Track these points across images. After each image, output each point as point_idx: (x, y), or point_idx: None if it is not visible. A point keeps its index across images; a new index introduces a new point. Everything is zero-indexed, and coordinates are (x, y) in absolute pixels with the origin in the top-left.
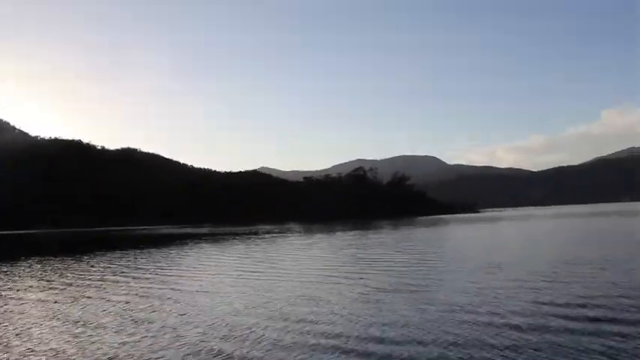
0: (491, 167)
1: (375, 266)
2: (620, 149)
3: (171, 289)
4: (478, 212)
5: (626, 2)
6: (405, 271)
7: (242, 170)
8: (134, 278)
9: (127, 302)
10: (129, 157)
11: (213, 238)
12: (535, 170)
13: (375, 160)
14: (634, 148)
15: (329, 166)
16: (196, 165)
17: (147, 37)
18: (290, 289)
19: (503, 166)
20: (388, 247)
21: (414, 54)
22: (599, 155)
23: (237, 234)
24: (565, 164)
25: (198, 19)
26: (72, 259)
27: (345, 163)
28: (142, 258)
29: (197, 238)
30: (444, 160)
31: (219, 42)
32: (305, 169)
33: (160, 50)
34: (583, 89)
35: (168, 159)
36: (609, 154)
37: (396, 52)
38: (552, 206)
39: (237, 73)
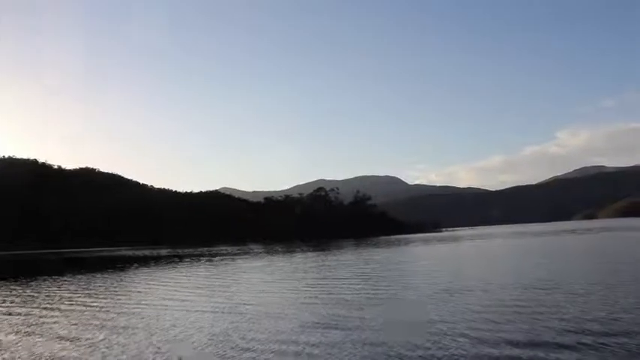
0: (451, 187)
1: (324, 295)
2: (573, 169)
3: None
4: (440, 231)
5: (575, 25)
6: (352, 299)
7: (203, 191)
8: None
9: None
10: (87, 176)
11: (167, 260)
12: (494, 190)
13: (337, 181)
14: (586, 167)
15: (290, 187)
16: (157, 185)
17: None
18: (221, 318)
19: (462, 186)
20: (342, 271)
21: (376, 76)
22: (554, 175)
23: (195, 255)
24: (522, 183)
25: (154, 37)
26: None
27: (307, 183)
28: (77, 284)
29: (148, 260)
30: (404, 180)
31: (179, 59)
32: (266, 190)
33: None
34: (539, 111)
35: (127, 179)
36: (564, 174)
37: (357, 74)
38: (511, 225)
39: (199, 93)
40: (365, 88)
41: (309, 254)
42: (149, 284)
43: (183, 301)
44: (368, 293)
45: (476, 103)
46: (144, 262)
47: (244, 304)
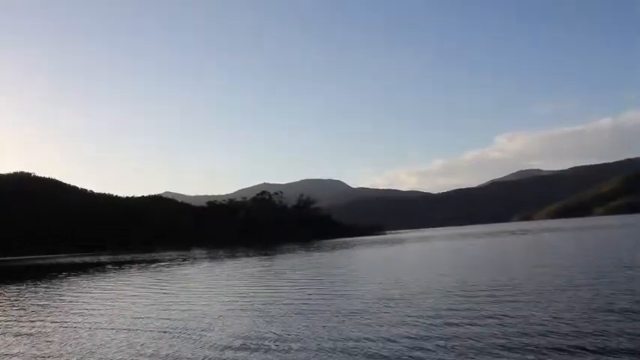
0: (394, 190)
1: (265, 296)
2: (511, 172)
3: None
4: (383, 234)
5: (512, 34)
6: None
7: (145, 195)
8: None
9: None
10: (21, 181)
11: (103, 268)
12: (435, 193)
13: (281, 184)
14: (523, 171)
15: (234, 191)
16: (96, 190)
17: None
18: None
19: (405, 189)
20: (278, 279)
21: (320, 78)
22: (493, 178)
23: (135, 262)
24: (463, 187)
25: (95, 45)
26: None
27: (251, 187)
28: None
29: (83, 268)
30: (348, 183)
31: (116, 60)
32: (210, 194)
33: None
34: (479, 116)
35: (66, 184)
36: (502, 177)
37: (302, 77)
38: (452, 227)
39: (140, 94)
40: (309, 90)
41: (249, 260)
42: (67, 296)
43: (91, 315)
44: (298, 304)
45: (418, 108)
46: (78, 270)
47: (159, 318)
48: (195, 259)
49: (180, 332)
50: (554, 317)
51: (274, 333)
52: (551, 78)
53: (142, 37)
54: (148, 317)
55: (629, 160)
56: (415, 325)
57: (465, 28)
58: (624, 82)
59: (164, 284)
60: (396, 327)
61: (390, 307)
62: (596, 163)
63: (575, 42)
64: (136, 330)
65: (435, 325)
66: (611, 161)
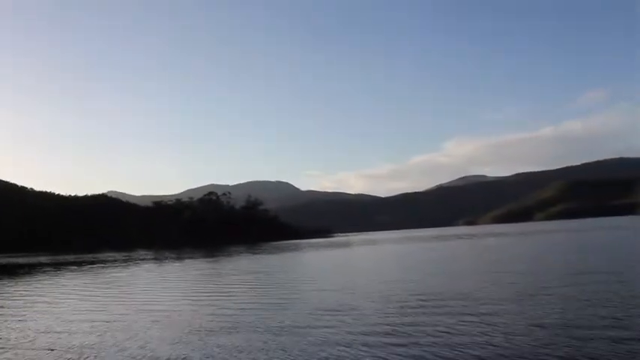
0: (343, 193)
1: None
2: (457, 177)
3: None
4: (331, 237)
5: (471, 44)
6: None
7: (89, 194)
8: None
9: None
10: None
11: (37, 270)
12: (383, 196)
13: (229, 185)
14: (468, 176)
15: (181, 191)
16: (37, 188)
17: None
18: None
19: (353, 193)
20: (221, 281)
21: (271, 79)
22: (439, 183)
23: (76, 263)
24: (410, 191)
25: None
26: None
27: (198, 187)
28: None
29: (15, 270)
30: (297, 186)
31: (70, 58)
32: (156, 194)
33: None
34: (427, 122)
35: (3, 181)
36: (448, 182)
37: (253, 77)
38: (399, 230)
39: (85, 93)
40: (258, 91)
41: (193, 263)
42: None
43: None
44: (230, 315)
45: (367, 112)
46: (9, 273)
47: (55, 332)
48: (138, 260)
49: (69, 351)
50: (501, 329)
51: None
52: (499, 86)
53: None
54: (47, 332)
55: (569, 168)
56: (347, 346)
57: (416, 33)
58: (567, 93)
59: (91, 289)
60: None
61: (326, 319)
62: (538, 170)
63: (524, 52)
64: (17, 349)
65: (368, 344)
66: (552, 168)
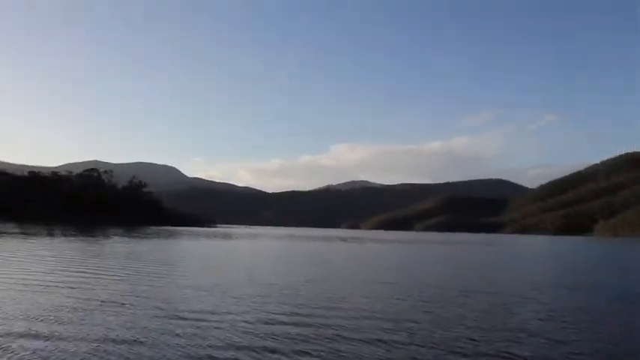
0: (230, 184)
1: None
2: (343, 181)
3: None
4: (214, 227)
5: (372, 52)
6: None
7: None
8: None
9: None
10: None
11: None
12: (270, 192)
13: (113, 164)
14: (354, 181)
15: (61, 164)
16: None
17: None
18: None
19: (241, 185)
20: (81, 265)
21: (166, 63)
22: (326, 184)
23: None
24: (297, 189)
25: None
26: None
27: (81, 162)
28: None
29: None
30: (184, 172)
31: None
32: (35, 164)
33: None
34: (319, 123)
35: None
36: (335, 184)
37: (146, 57)
38: (283, 227)
39: None
40: (151, 70)
41: (61, 241)
42: None
43: None
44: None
45: (261, 107)
46: None
47: None
48: (6, 234)
49: None
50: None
51: None
52: (393, 95)
53: None
54: None
55: (450, 184)
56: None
57: (317, 35)
58: (458, 111)
59: None
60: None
61: (179, 327)
62: (422, 182)
63: (423, 65)
64: None
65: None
66: (434, 182)
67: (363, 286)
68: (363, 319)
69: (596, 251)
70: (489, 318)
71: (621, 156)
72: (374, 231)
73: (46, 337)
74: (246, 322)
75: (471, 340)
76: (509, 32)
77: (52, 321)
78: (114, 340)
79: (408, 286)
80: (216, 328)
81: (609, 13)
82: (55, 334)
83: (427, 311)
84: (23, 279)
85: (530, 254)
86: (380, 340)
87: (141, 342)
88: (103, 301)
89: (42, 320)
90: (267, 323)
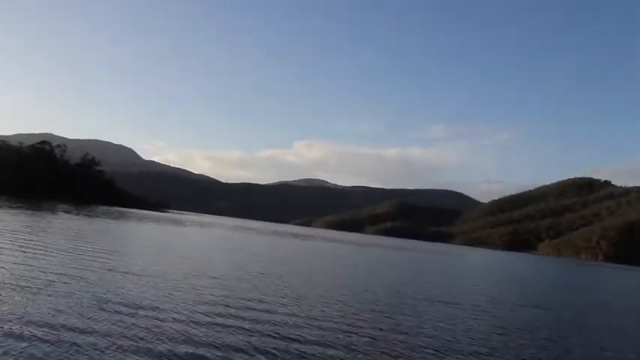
0: (186, 170)
1: None
2: (300, 178)
3: None
4: (166, 212)
5: (340, 55)
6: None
7: None
8: None
9: None
10: None
11: None
12: (226, 182)
13: (67, 139)
14: (311, 179)
15: (11, 134)
16: None
17: None
18: None
19: (197, 172)
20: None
21: (132, 39)
22: (283, 180)
23: None
24: (254, 182)
25: None
26: None
27: (32, 134)
28: None
29: None
30: (139, 153)
31: None
32: None
33: None
34: (285, 118)
35: None
36: (291, 181)
37: (119, 29)
38: (233, 218)
39: None
40: (105, 46)
41: (10, 212)
42: None
43: None
44: None
45: (227, 97)
46: None
47: None
48: None
49: None
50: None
51: None
52: (359, 100)
53: None
54: None
55: (403, 190)
56: None
57: (289, 28)
58: (417, 121)
59: None
60: None
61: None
62: (377, 186)
63: (388, 74)
64: None
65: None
66: (388, 187)
67: (321, 287)
68: (320, 322)
69: (545, 269)
70: (450, 328)
71: (571, 180)
72: (325, 230)
73: None
74: (176, 312)
75: (435, 350)
76: (478, 45)
77: None
78: (35, 324)
79: (366, 289)
80: (142, 317)
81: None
82: None
83: (387, 317)
84: None
85: (482, 267)
86: (337, 343)
87: (68, 327)
88: (32, 282)
89: None
90: (196, 322)
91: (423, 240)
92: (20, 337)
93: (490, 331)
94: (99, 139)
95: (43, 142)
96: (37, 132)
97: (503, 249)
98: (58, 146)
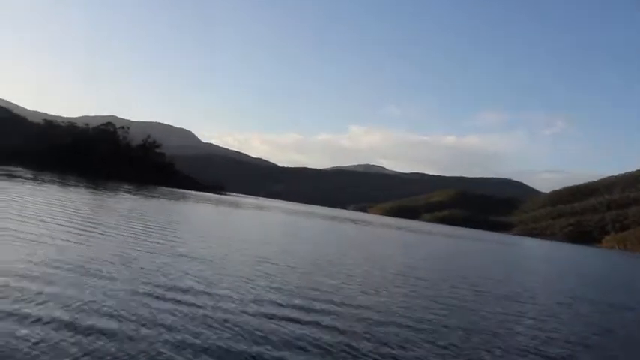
0: (243, 154)
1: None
2: (357, 163)
3: None
4: (224, 194)
5: (395, 48)
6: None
7: None
8: None
9: None
10: None
11: None
12: (281, 165)
13: (130, 121)
14: (368, 165)
15: (78, 116)
16: None
17: None
18: None
19: (254, 155)
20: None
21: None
22: (338, 165)
23: None
24: (310, 166)
25: None
26: None
27: (97, 116)
28: None
29: None
30: (199, 137)
31: None
32: (51, 113)
33: None
34: (342, 104)
35: None
36: (348, 166)
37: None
38: (291, 202)
39: None
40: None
41: (72, 190)
42: None
43: None
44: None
45: (279, 82)
46: None
47: None
48: (14, 177)
49: None
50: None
51: None
52: (413, 86)
53: None
54: None
55: (460, 178)
56: None
57: (336, 23)
58: (469, 107)
59: None
60: None
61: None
62: (434, 174)
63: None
64: None
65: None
66: (446, 175)
67: (400, 278)
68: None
69: (619, 263)
70: (540, 326)
71: (638, 171)
72: (381, 216)
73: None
74: (232, 302)
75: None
76: (534, 32)
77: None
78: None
79: (442, 280)
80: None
81: None
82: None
83: (473, 312)
84: (4, 227)
85: (557, 261)
86: (397, 337)
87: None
88: (87, 261)
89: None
90: (256, 312)
91: (482, 229)
92: (78, 328)
93: (584, 331)
94: (160, 121)
95: (107, 123)
96: (100, 114)
97: (563, 241)
98: (122, 128)
